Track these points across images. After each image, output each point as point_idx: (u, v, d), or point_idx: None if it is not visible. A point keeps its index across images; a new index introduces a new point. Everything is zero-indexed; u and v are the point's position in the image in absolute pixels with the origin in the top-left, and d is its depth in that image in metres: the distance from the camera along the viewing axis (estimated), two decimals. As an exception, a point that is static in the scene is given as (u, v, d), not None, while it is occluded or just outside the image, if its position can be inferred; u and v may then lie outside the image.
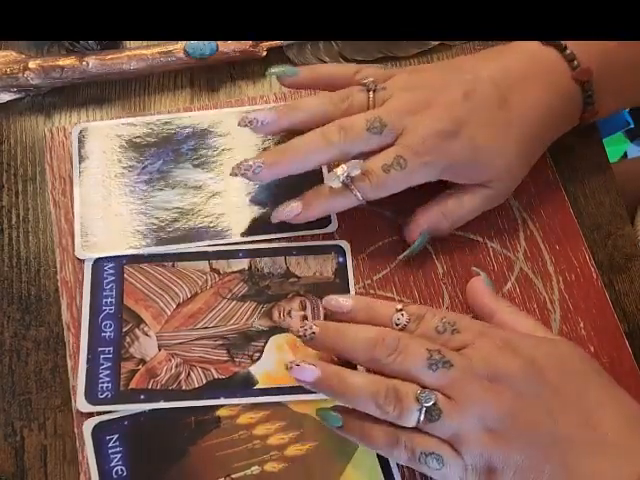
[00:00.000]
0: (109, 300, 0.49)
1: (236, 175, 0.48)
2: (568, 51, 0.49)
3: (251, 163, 0.47)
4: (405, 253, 0.50)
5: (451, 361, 0.40)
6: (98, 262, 0.50)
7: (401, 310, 0.43)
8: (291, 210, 0.49)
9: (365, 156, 0.48)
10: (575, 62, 0.48)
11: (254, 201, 0.53)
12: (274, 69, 0.52)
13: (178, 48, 0.57)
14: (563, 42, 0.49)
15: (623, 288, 0.51)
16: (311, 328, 0.43)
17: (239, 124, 0.50)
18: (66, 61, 0.56)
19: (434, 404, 0.39)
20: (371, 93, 0.49)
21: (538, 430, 0.39)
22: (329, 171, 0.49)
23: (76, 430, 0.46)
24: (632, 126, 0.69)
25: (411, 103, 0.48)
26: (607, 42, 0.49)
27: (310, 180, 0.54)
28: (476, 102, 0.47)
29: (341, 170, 0.47)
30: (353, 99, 0.49)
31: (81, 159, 0.54)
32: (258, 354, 0.48)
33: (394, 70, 0.51)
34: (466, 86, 0.48)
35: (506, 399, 0.39)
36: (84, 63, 0.56)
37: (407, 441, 0.40)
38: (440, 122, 0.47)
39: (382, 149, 0.48)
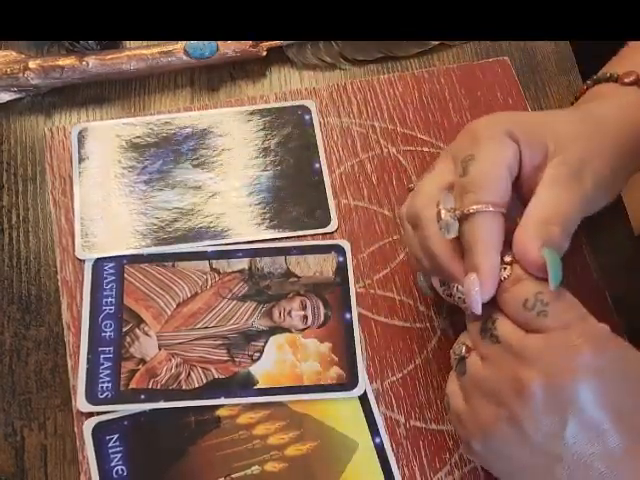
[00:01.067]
0: (109, 300, 0.49)
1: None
2: None
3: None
4: (551, 285, 0.38)
5: (499, 337, 0.38)
6: (98, 262, 0.50)
7: (506, 265, 0.39)
8: (474, 291, 0.39)
9: None
10: None
11: (254, 201, 0.53)
12: None
13: (178, 48, 0.57)
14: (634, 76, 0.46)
15: (623, 288, 0.51)
16: None
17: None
18: (66, 61, 0.56)
19: (461, 359, 0.40)
20: None
21: (530, 441, 0.37)
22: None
23: (76, 430, 0.46)
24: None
25: None
26: None
27: (308, 179, 0.54)
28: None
29: (444, 213, 0.40)
30: None
31: (81, 159, 0.54)
32: (258, 354, 0.48)
33: None
34: None
35: (530, 407, 0.36)
36: (84, 63, 0.56)
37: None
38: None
39: None
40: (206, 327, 0.49)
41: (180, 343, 0.48)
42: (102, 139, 0.55)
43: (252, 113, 0.56)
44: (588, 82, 0.49)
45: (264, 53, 0.58)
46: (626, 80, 0.46)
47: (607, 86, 0.48)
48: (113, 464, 0.45)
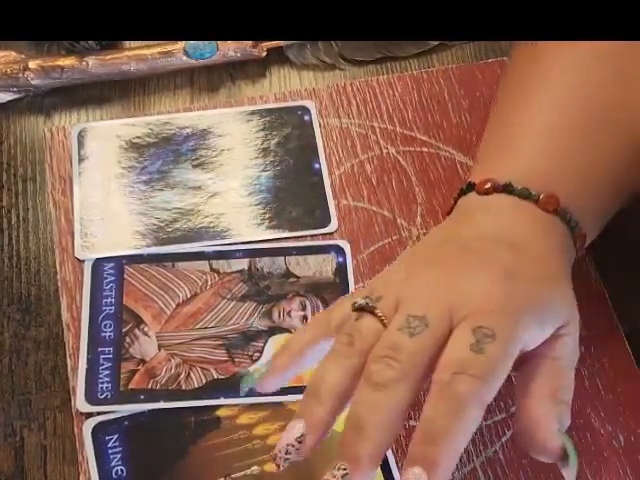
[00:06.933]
0: (109, 300, 0.49)
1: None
2: (519, 187, 0.40)
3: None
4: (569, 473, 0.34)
5: None
6: (98, 262, 0.50)
7: None
8: None
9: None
10: (533, 193, 0.40)
11: (254, 201, 0.53)
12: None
13: (178, 48, 0.57)
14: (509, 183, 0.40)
15: (623, 288, 0.51)
16: None
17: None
18: (66, 61, 0.56)
19: None
20: (378, 311, 0.36)
21: None
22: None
23: (76, 430, 0.46)
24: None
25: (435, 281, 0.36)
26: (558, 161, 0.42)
27: (308, 180, 0.54)
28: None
29: None
30: (360, 330, 0.36)
31: (81, 159, 0.54)
32: (258, 354, 0.48)
33: (375, 282, 0.39)
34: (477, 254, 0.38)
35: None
36: (84, 63, 0.56)
37: None
38: (489, 273, 0.36)
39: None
40: (206, 327, 0.49)
41: (180, 343, 0.48)
42: (102, 139, 0.55)
43: (252, 113, 0.56)
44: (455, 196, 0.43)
45: (264, 54, 0.58)
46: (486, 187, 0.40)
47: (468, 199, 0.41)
48: (113, 464, 0.45)
